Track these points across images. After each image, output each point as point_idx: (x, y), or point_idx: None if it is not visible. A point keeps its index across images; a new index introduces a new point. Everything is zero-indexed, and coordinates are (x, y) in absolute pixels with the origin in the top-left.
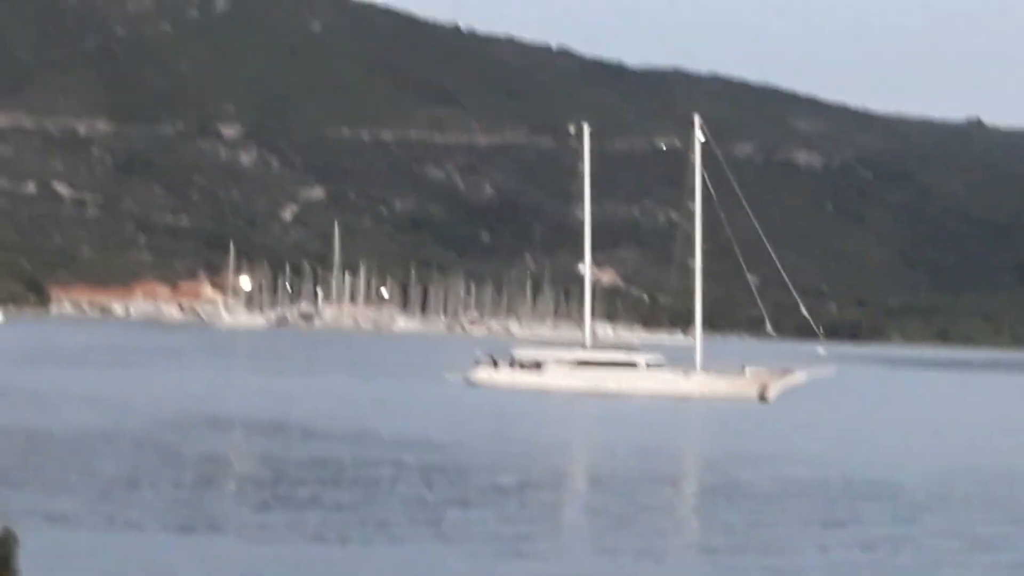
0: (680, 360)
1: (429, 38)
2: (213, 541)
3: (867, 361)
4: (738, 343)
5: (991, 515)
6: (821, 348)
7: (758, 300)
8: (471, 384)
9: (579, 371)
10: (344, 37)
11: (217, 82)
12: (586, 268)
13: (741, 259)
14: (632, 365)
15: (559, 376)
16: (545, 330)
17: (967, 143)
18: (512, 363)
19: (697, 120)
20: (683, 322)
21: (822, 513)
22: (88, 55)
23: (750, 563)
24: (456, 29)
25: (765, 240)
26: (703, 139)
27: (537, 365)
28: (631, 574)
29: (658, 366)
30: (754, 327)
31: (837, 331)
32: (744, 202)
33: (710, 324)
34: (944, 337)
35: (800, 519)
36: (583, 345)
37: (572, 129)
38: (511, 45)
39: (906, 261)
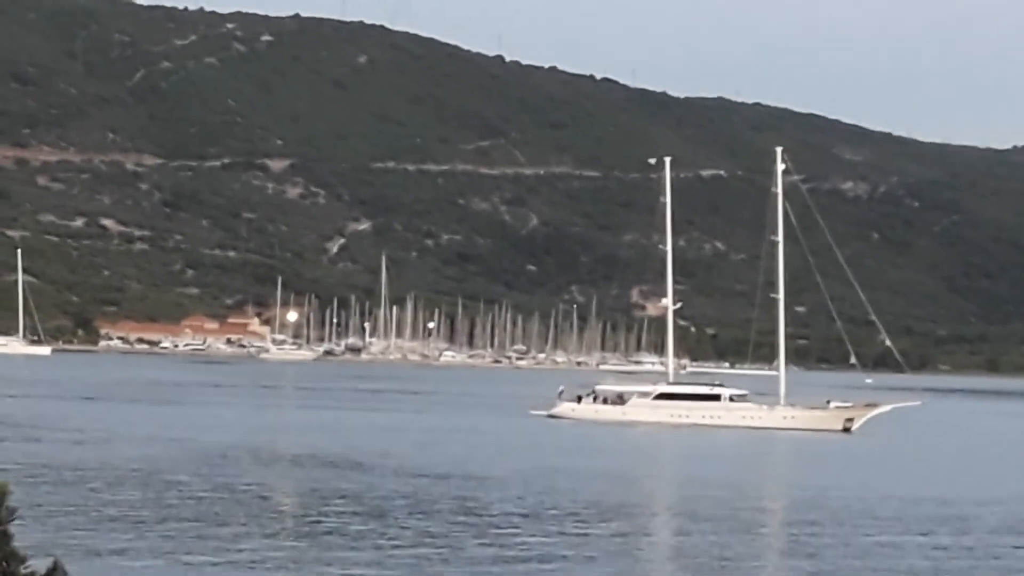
0: (760, 392)
1: (473, 70)
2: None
3: (918, 391)
4: (792, 374)
5: None
6: (869, 378)
7: (843, 334)
8: (555, 418)
9: (662, 404)
10: (389, 70)
11: (263, 116)
12: (669, 302)
13: (825, 292)
14: (716, 398)
15: (642, 409)
16: (598, 361)
17: (1014, 170)
18: (595, 397)
19: (780, 152)
20: (730, 353)
21: (908, 541)
22: (134, 90)
23: None
24: (500, 60)
25: (848, 271)
26: (784, 167)
27: (620, 399)
28: None
29: (742, 399)
30: (800, 357)
31: (885, 361)
32: (828, 234)
33: (757, 355)
34: (993, 366)
35: (887, 547)
36: (666, 378)
37: (652, 161)
38: (555, 76)
39: (953, 290)
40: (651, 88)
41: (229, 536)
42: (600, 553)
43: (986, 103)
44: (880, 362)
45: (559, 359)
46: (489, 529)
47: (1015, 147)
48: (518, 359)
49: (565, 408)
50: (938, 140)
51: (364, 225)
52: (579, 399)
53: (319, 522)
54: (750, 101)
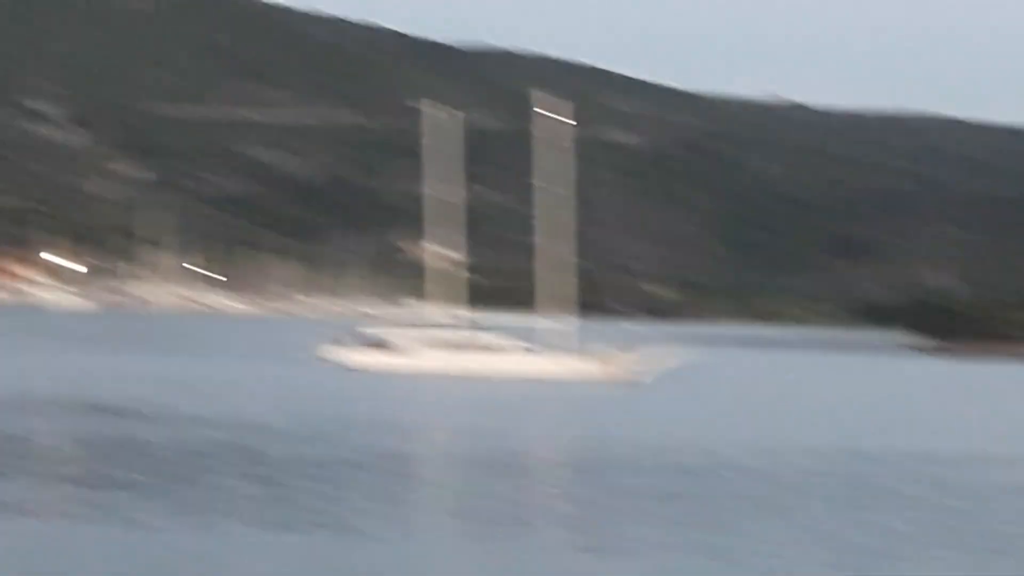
0: (537, 342)
1: (244, 15)
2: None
3: (685, 340)
4: (569, 323)
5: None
6: (643, 327)
7: (617, 284)
8: (324, 364)
9: (436, 352)
10: (161, 15)
11: (33, 59)
12: (443, 250)
13: (599, 242)
14: (494, 347)
15: (417, 358)
16: (369, 309)
17: (786, 124)
18: (362, 343)
19: (543, 98)
20: (506, 302)
21: (662, 489)
22: None
23: (596, 541)
24: (271, 6)
25: (621, 221)
26: (554, 116)
27: (392, 345)
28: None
29: (519, 348)
30: (576, 307)
31: (661, 310)
32: (601, 185)
33: (533, 304)
34: (759, 315)
35: (646, 496)
36: (439, 325)
37: (421, 107)
38: (332, 24)
39: (726, 241)
40: (429, 37)
41: (11, 489)
42: (378, 504)
43: (760, 56)
44: (656, 311)
45: (330, 306)
46: (272, 480)
47: (789, 101)
48: (290, 306)
49: (336, 355)
50: (712, 92)
51: (135, 170)
52: (349, 346)
53: (101, 473)
54: (527, 53)
